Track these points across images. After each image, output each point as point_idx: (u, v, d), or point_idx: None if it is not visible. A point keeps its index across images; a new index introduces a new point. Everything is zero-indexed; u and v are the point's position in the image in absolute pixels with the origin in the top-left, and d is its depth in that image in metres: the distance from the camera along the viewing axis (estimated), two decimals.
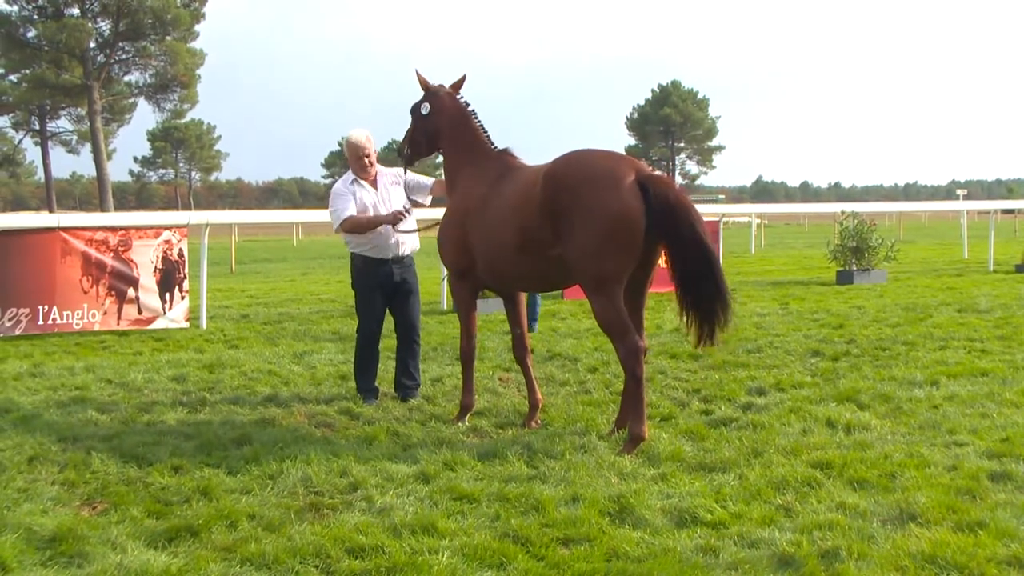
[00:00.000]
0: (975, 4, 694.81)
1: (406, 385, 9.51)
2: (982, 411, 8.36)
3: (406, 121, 9.24)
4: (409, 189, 9.62)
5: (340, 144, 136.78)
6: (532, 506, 6.08)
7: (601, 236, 7.26)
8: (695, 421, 8.25)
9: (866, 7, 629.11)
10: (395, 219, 9.13)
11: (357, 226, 9.19)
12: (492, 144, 8.72)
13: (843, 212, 23.43)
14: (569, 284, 8.18)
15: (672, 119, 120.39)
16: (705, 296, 7.47)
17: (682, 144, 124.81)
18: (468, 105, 8.87)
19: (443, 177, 9.16)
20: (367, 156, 9.39)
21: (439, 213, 13.92)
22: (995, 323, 13.76)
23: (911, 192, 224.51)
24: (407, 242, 9.49)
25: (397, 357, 9.67)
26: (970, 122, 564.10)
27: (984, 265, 25.07)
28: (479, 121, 8.81)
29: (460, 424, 8.37)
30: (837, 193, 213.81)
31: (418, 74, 9.00)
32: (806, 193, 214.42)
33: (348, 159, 9.57)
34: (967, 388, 9.27)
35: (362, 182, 9.39)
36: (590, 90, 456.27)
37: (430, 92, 8.97)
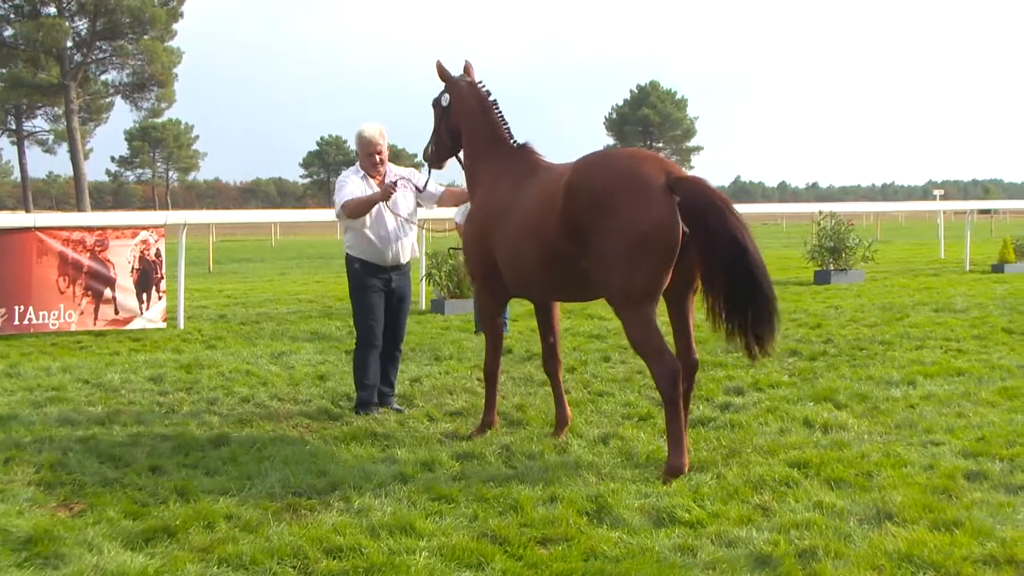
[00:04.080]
0: (951, 7, 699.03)
1: (384, 392, 9.17)
2: (958, 410, 8.41)
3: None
4: (417, 196, 9.13)
5: (317, 144, 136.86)
6: (510, 506, 6.08)
7: (628, 248, 6.59)
8: None
9: (843, 9, 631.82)
10: (386, 194, 8.62)
11: (356, 209, 8.67)
12: (513, 139, 8.18)
13: (821, 212, 23.50)
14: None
15: (651, 119, 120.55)
16: (745, 299, 6.70)
17: (661, 144, 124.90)
18: (489, 95, 8.29)
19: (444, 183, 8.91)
20: (379, 153, 8.95)
21: (446, 212, 13.91)
22: (971, 323, 13.83)
23: (888, 192, 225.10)
24: (407, 250, 9.08)
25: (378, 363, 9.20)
26: (947, 123, 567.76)
27: (961, 265, 25.20)
28: (500, 113, 8.25)
29: (477, 438, 7.83)
30: (815, 193, 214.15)
31: (438, 64, 8.46)
32: (784, 193, 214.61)
33: (358, 154, 9.09)
34: (943, 387, 9.32)
35: (371, 180, 8.96)
36: (569, 90, 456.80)
37: (448, 82, 8.45)
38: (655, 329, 6.78)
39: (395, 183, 8.75)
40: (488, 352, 8.21)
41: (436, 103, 8.57)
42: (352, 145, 9.30)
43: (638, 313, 6.77)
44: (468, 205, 12.20)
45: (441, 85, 8.55)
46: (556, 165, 7.67)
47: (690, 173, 7.04)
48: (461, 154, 8.61)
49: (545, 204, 7.18)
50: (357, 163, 9.17)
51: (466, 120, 8.33)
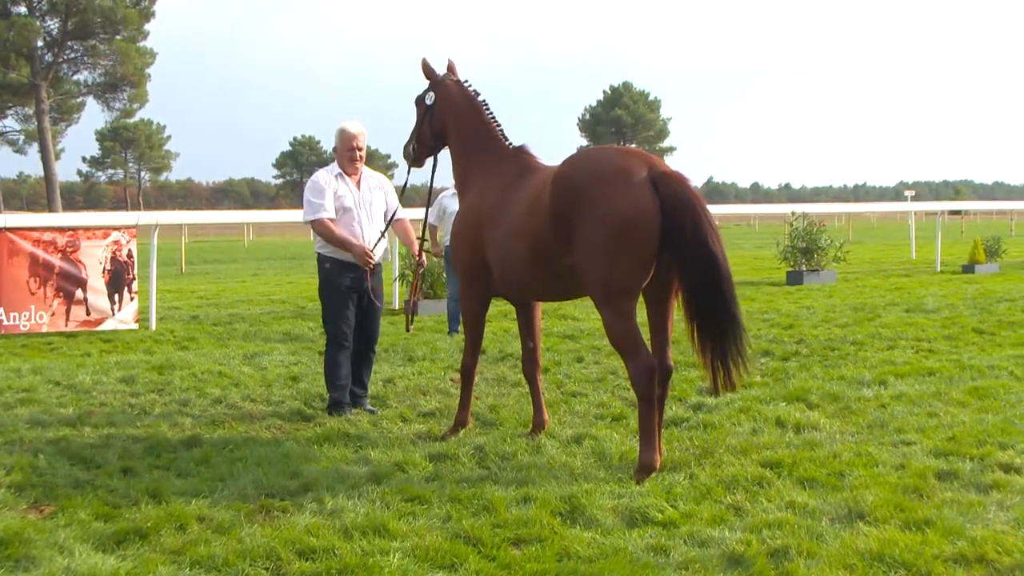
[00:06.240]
0: (922, 9, 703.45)
1: (357, 394, 9.12)
2: (929, 410, 8.45)
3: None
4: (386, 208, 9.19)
5: (290, 144, 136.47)
6: (483, 507, 6.08)
7: (608, 239, 6.59)
8: None
9: (817, 11, 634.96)
10: (363, 258, 8.72)
11: (327, 235, 8.74)
12: (507, 140, 8.11)
13: (793, 213, 23.63)
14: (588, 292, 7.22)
15: (624, 120, 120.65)
16: (710, 320, 6.76)
17: (634, 145, 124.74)
18: (478, 95, 8.23)
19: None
20: (359, 147, 8.93)
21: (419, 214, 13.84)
22: (942, 323, 13.92)
23: (860, 193, 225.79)
24: (380, 248, 9.01)
25: (351, 364, 9.10)
26: (919, 124, 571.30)
27: (931, 265, 25.37)
28: (491, 114, 8.19)
29: (451, 438, 7.80)
30: (787, 194, 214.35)
31: (424, 62, 8.36)
32: (757, 194, 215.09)
33: (337, 150, 9.07)
34: (915, 387, 9.37)
35: (347, 178, 8.93)
36: (542, 91, 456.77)
37: (434, 81, 8.36)
38: (634, 325, 6.76)
39: (375, 267, 8.90)
40: (467, 350, 8.17)
41: (420, 101, 8.49)
42: (325, 145, 9.29)
43: (618, 308, 6.75)
44: (440, 207, 12.22)
45: (424, 83, 8.47)
46: (550, 166, 7.58)
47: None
48: (441, 153, 8.59)
49: (535, 200, 7.17)
50: (333, 163, 9.13)
51: (454, 120, 8.25)
